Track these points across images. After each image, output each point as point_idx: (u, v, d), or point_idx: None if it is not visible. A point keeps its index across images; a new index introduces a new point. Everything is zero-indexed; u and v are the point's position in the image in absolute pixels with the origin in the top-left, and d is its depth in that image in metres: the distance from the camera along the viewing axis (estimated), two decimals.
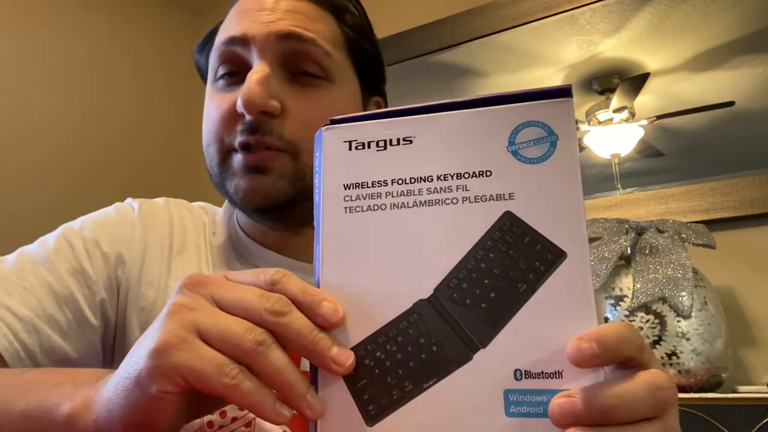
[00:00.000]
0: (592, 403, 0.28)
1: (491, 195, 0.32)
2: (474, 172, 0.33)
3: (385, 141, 0.34)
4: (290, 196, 0.55)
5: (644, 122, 1.32)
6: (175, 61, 2.13)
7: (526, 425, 0.29)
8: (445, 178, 0.33)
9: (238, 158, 0.55)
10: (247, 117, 0.54)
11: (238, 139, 0.54)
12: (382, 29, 1.75)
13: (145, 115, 2.02)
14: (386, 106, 0.68)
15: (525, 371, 0.30)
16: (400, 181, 0.34)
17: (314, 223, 0.35)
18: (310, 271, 0.60)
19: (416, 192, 0.33)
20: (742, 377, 1.11)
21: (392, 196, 0.34)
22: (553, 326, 0.30)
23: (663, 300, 1.00)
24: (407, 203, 0.33)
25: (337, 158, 0.35)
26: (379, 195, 0.34)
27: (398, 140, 0.34)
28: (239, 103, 0.54)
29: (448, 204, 0.33)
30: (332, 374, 0.32)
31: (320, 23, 0.58)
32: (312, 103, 0.56)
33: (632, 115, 1.34)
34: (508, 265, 0.32)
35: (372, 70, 0.64)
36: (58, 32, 1.82)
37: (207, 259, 0.61)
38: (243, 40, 0.56)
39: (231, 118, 0.56)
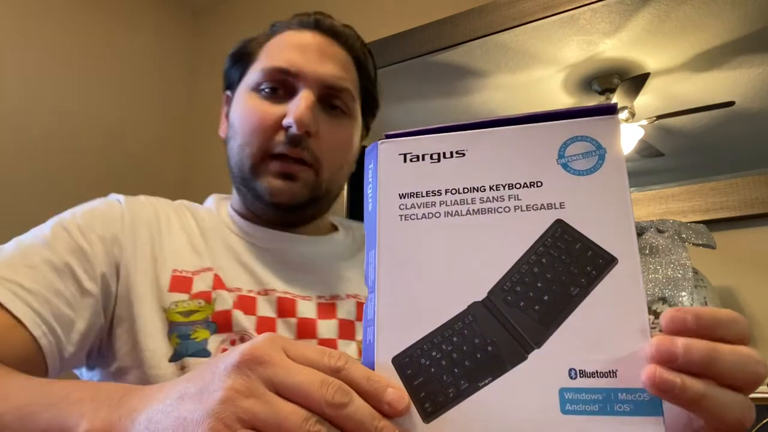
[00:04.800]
0: (692, 349, 0.29)
1: (542, 204, 0.34)
2: (525, 183, 0.35)
3: (438, 154, 0.36)
4: (307, 199, 0.68)
5: (644, 122, 1.32)
6: (174, 63, 2.13)
7: (581, 423, 0.31)
8: (497, 188, 0.35)
9: (274, 165, 0.67)
10: (293, 131, 0.65)
11: (279, 149, 0.66)
12: (382, 29, 1.76)
13: (144, 116, 2.02)
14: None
15: (580, 370, 0.31)
16: (454, 191, 0.36)
17: (365, 230, 0.37)
18: (296, 240, 0.71)
19: (469, 201, 0.35)
20: None
21: (446, 205, 0.35)
22: (606, 328, 0.32)
23: (663, 300, 1.00)
24: (461, 212, 0.35)
25: (393, 169, 0.37)
26: (433, 204, 0.36)
27: (451, 153, 0.36)
28: (291, 120, 0.65)
29: (501, 212, 0.35)
30: (388, 371, 0.33)
31: (351, 72, 0.72)
32: (336, 131, 0.70)
33: (632, 115, 1.34)
34: (560, 270, 0.33)
35: (371, 111, 0.79)
36: (56, 33, 1.82)
37: (194, 235, 0.69)
38: (294, 75, 0.68)
39: (274, 128, 0.67)
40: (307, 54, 0.69)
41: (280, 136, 0.66)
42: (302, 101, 0.66)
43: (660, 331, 0.31)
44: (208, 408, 0.30)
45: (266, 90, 0.69)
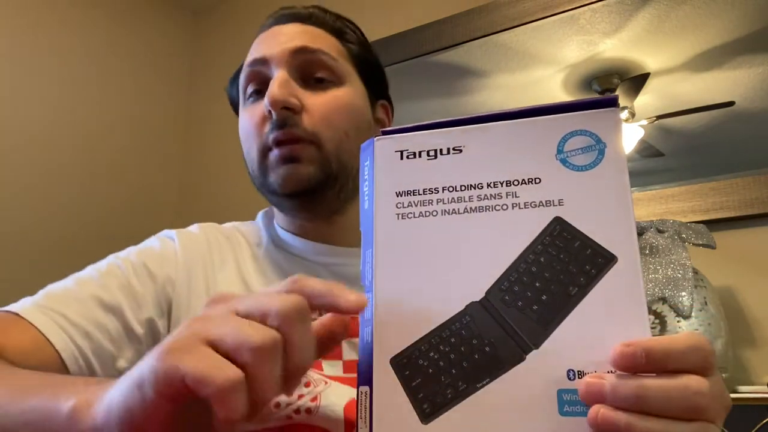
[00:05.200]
0: (619, 389, 0.29)
1: (541, 201, 0.34)
2: (523, 180, 0.34)
3: (435, 150, 0.36)
4: (320, 180, 0.64)
5: (644, 122, 1.32)
6: (174, 63, 2.13)
7: (580, 425, 0.30)
8: (495, 185, 0.34)
9: (273, 154, 0.64)
10: (274, 115, 0.63)
11: (271, 137, 0.64)
12: (382, 29, 1.75)
13: (144, 116, 2.02)
14: (392, 109, 0.78)
15: (578, 371, 0.31)
16: (451, 189, 0.35)
17: (362, 229, 0.36)
18: (347, 254, 0.68)
19: (467, 199, 0.35)
20: (742, 377, 1.11)
21: (443, 203, 0.35)
22: (605, 328, 0.31)
23: (663, 300, 1.00)
24: (458, 210, 0.35)
25: (389, 167, 0.36)
26: (430, 202, 0.35)
27: (448, 149, 0.36)
28: (265, 102, 0.63)
29: (499, 210, 0.34)
30: (386, 372, 0.33)
31: (325, 40, 0.69)
32: (326, 100, 0.66)
33: (632, 115, 1.34)
34: (559, 269, 0.33)
35: (375, 77, 0.74)
36: (56, 34, 1.82)
37: (245, 262, 0.68)
38: (263, 60, 0.67)
39: (261, 121, 0.66)
40: (273, 40, 0.68)
41: (268, 127, 0.65)
42: (273, 81, 0.64)
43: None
44: (170, 338, 0.31)
45: (252, 95, 0.68)
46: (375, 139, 0.37)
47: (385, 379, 0.33)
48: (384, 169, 0.36)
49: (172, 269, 0.65)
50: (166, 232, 0.71)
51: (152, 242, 0.68)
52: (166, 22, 2.14)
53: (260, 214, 0.77)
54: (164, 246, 0.67)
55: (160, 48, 2.10)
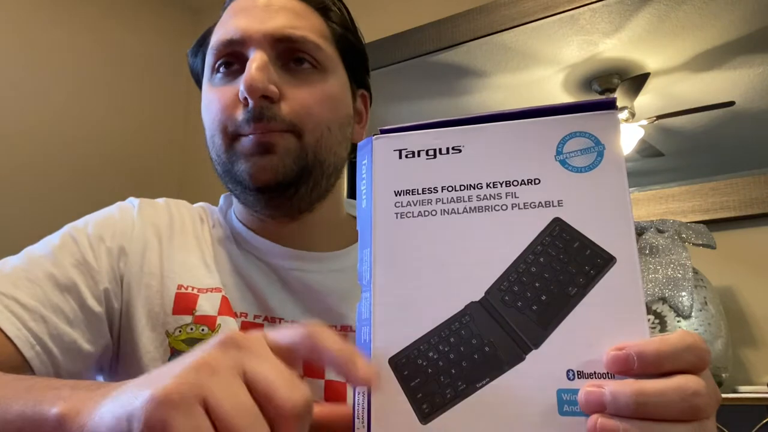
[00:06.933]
0: (619, 396, 0.29)
1: (540, 202, 0.34)
2: (523, 180, 0.34)
3: (434, 150, 0.36)
4: (295, 173, 0.58)
5: (644, 122, 1.32)
6: (175, 61, 2.13)
7: (579, 424, 0.30)
8: (494, 185, 0.34)
9: (245, 141, 0.58)
10: (250, 104, 0.57)
11: (243, 129, 0.58)
12: (383, 29, 1.75)
13: (144, 114, 2.02)
14: (371, 100, 0.73)
15: (577, 371, 0.31)
16: (450, 188, 0.35)
17: (359, 228, 0.36)
18: (307, 258, 0.64)
19: (466, 198, 0.35)
20: (742, 377, 1.11)
21: (442, 203, 0.35)
22: (604, 328, 0.31)
23: (663, 300, 1.00)
24: (457, 209, 0.35)
25: (388, 166, 0.36)
26: (429, 201, 0.35)
27: (447, 149, 0.36)
28: (242, 88, 0.57)
29: (498, 210, 0.34)
30: (384, 372, 0.33)
31: (309, 19, 0.62)
32: (307, 88, 0.60)
33: (632, 115, 1.34)
34: (558, 269, 0.33)
35: (358, 63, 0.68)
36: (57, 32, 1.82)
37: (207, 248, 0.64)
38: (241, 41, 0.59)
39: (233, 106, 0.59)
40: (252, 14, 0.60)
41: (241, 114, 0.58)
42: (251, 63, 0.57)
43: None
44: (172, 372, 0.30)
45: (221, 71, 0.61)
46: (373, 137, 0.37)
47: (384, 379, 0.33)
48: (382, 168, 0.36)
49: (126, 240, 0.61)
50: (130, 199, 0.67)
51: (112, 210, 0.64)
52: (167, 19, 2.14)
53: (222, 198, 0.72)
54: (123, 215, 0.63)
55: (160, 46, 2.10)
